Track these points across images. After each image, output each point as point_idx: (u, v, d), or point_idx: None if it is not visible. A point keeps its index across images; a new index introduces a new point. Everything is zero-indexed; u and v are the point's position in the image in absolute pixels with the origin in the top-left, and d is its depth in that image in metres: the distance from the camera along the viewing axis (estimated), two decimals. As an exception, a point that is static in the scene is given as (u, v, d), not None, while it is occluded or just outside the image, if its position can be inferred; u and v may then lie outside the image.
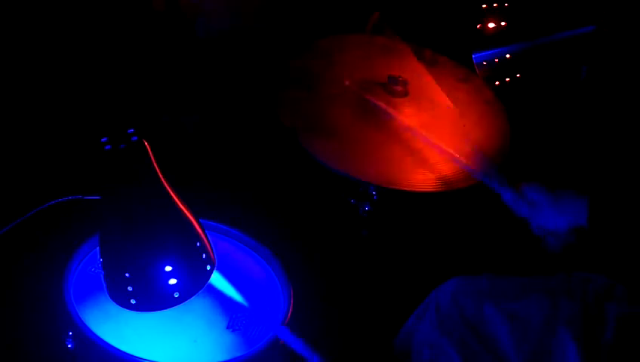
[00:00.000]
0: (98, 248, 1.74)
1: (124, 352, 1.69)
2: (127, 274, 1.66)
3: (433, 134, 2.15)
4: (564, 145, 2.35)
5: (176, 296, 1.69)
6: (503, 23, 2.47)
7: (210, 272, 1.74)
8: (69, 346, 1.73)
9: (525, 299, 1.81)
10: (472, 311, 1.82)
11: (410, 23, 2.67)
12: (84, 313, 1.75)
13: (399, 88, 2.21)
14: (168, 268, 1.67)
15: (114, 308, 1.71)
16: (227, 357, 1.73)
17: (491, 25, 2.47)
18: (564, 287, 1.83)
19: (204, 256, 1.73)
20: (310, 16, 2.80)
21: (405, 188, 2.06)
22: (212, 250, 1.76)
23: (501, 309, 1.80)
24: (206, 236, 1.76)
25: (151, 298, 1.68)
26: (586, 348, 1.71)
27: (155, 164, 1.67)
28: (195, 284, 1.72)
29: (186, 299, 1.70)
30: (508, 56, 2.46)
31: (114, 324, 1.76)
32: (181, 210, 1.71)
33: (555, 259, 1.99)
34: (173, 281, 1.68)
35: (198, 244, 1.72)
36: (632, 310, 1.75)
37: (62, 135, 2.46)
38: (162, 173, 1.69)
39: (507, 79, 2.45)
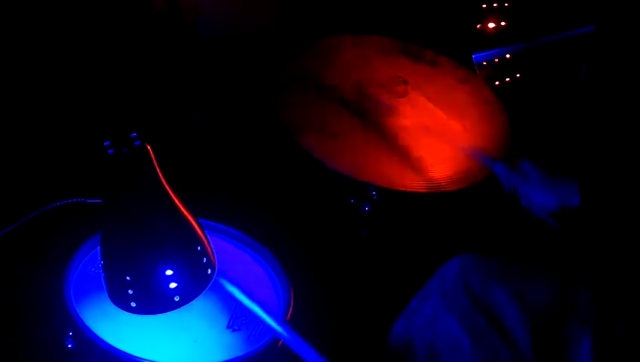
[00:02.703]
0: (98, 249, 1.74)
1: (124, 352, 1.69)
2: (127, 278, 1.66)
3: (433, 133, 2.16)
4: (563, 145, 2.35)
5: (176, 300, 1.69)
6: (503, 23, 2.47)
7: (211, 276, 1.75)
8: (69, 346, 1.73)
9: (535, 283, 1.80)
10: (479, 286, 1.81)
11: (411, 23, 2.67)
12: (84, 313, 1.75)
13: (399, 88, 2.21)
14: (169, 272, 1.67)
15: (114, 309, 1.72)
16: (227, 357, 1.73)
17: (491, 25, 2.47)
18: (575, 279, 1.82)
19: (204, 260, 1.73)
20: (310, 16, 2.80)
21: (405, 189, 2.05)
22: (213, 253, 1.76)
23: (509, 288, 1.79)
24: (207, 240, 1.76)
25: (151, 301, 1.69)
26: (599, 341, 1.70)
27: (158, 168, 1.68)
28: (195, 288, 1.72)
29: (186, 303, 1.71)
30: (508, 56, 2.46)
31: (114, 324, 1.76)
32: (182, 214, 1.71)
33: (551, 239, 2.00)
34: (173, 285, 1.68)
35: (199, 248, 1.72)
36: None
37: (65, 138, 2.47)
38: (164, 175, 1.69)
39: (507, 79, 2.45)
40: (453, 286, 1.83)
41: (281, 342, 1.78)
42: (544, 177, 1.99)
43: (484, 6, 2.47)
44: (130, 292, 1.67)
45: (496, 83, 2.45)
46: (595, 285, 1.80)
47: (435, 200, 2.30)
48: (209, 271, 1.74)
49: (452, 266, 1.87)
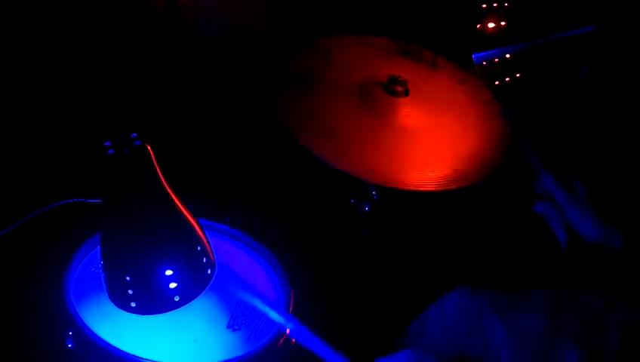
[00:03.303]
0: (98, 248, 1.74)
1: (124, 352, 1.69)
2: (127, 278, 1.66)
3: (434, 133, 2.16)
4: (563, 145, 2.35)
5: (176, 300, 1.69)
6: (503, 23, 2.47)
7: (211, 276, 1.75)
8: (69, 346, 1.73)
9: (525, 312, 1.81)
10: (472, 322, 1.82)
11: (411, 23, 2.67)
12: (84, 313, 1.75)
13: (399, 88, 2.21)
14: (169, 272, 1.68)
15: (114, 308, 1.72)
16: (227, 357, 1.73)
17: (491, 25, 2.47)
18: (567, 301, 1.82)
19: (204, 259, 1.73)
20: (310, 15, 2.80)
21: (406, 188, 2.05)
22: (213, 254, 1.76)
23: (501, 322, 1.80)
24: (207, 240, 1.76)
25: (151, 301, 1.69)
26: (588, 358, 1.71)
27: (158, 168, 1.68)
28: (195, 288, 1.72)
29: (186, 303, 1.71)
30: (508, 56, 2.46)
31: (114, 324, 1.76)
32: (182, 214, 1.71)
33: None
34: (173, 285, 1.68)
35: (199, 248, 1.72)
36: (638, 317, 1.74)
37: (65, 138, 2.46)
38: (164, 176, 1.69)
39: (507, 79, 2.45)
40: (453, 322, 1.84)
41: (285, 336, 1.78)
42: (593, 207, 1.93)
43: (484, 6, 2.47)
44: (130, 292, 1.67)
45: (497, 83, 2.45)
46: (585, 307, 1.80)
47: (434, 200, 2.30)
48: (209, 271, 1.74)
49: (451, 301, 1.88)
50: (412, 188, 2.05)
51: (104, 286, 1.71)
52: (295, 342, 1.78)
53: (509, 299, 1.86)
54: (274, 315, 1.82)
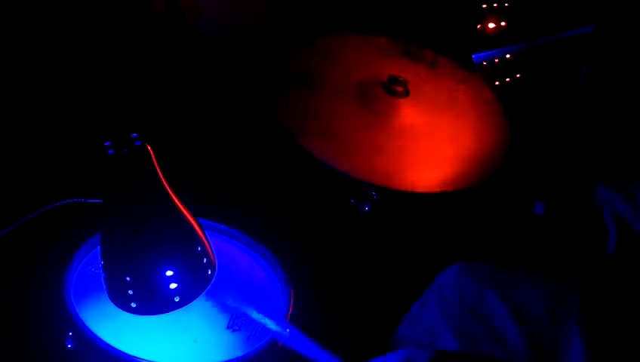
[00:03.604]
0: (98, 249, 1.74)
1: (124, 352, 1.69)
2: (127, 278, 1.66)
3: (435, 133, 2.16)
4: (563, 145, 2.35)
5: (176, 301, 1.69)
6: (503, 23, 2.47)
7: (211, 277, 1.75)
8: (69, 346, 1.73)
9: (529, 291, 1.80)
10: (474, 296, 1.81)
11: (411, 24, 2.67)
12: (84, 313, 1.75)
13: (399, 88, 2.21)
14: (169, 273, 1.68)
15: (114, 309, 1.72)
16: (227, 357, 1.73)
17: (491, 25, 2.47)
18: (570, 286, 1.81)
19: (205, 260, 1.73)
20: (310, 15, 2.80)
21: (405, 189, 2.05)
22: (213, 254, 1.76)
23: (504, 297, 1.79)
24: (207, 240, 1.76)
25: (151, 302, 1.69)
26: (592, 340, 1.70)
27: (158, 168, 1.68)
28: (195, 289, 1.72)
29: (187, 304, 1.71)
30: (508, 56, 2.46)
31: (114, 324, 1.76)
32: (183, 215, 1.71)
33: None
34: (173, 286, 1.68)
35: (199, 249, 1.72)
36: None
37: (65, 138, 2.46)
38: (164, 176, 1.69)
39: (507, 79, 2.45)
40: (451, 295, 1.83)
41: (280, 344, 1.78)
42: None
43: (484, 6, 2.47)
44: (131, 292, 1.67)
45: (497, 83, 2.45)
46: (587, 287, 1.80)
47: (434, 200, 2.30)
48: (209, 272, 1.74)
49: (449, 274, 1.87)
50: (411, 188, 2.05)
51: (104, 287, 1.71)
52: (286, 348, 1.78)
53: (509, 277, 1.84)
54: (269, 323, 1.82)
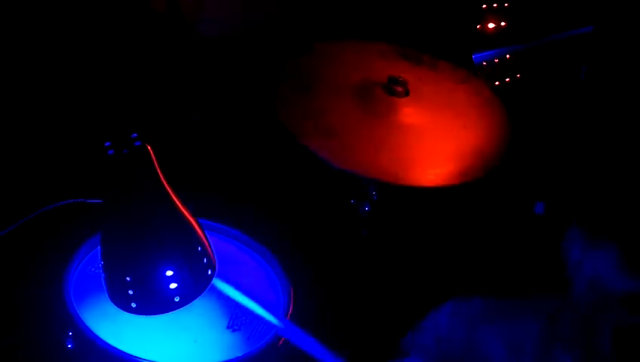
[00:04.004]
0: (98, 249, 1.74)
1: (124, 352, 1.69)
2: (127, 278, 1.66)
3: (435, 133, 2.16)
4: (563, 145, 2.35)
5: (176, 301, 1.69)
6: (502, 23, 2.47)
7: (211, 277, 1.75)
8: (69, 346, 1.73)
9: (520, 321, 1.81)
10: (466, 334, 1.82)
11: (410, 24, 2.67)
12: (84, 313, 1.76)
13: (399, 88, 2.21)
14: (169, 273, 1.68)
15: (114, 309, 1.72)
16: (227, 357, 1.73)
17: (491, 25, 2.47)
18: (558, 305, 1.81)
19: (205, 260, 1.73)
20: (310, 17, 2.80)
21: (407, 184, 2.05)
22: (213, 254, 1.76)
23: (495, 332, 1.80)
24: (207, 240, 1.76)
25: (151, 302, 1.69)
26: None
27: (158, 169, 1.68)
28: (195, 289, 1.72)
29: (187, 304, 1.71)
30: (508, 56, 2.46)
31: (114, 324, 1.76)
32: (183, 215, 1.71)
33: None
34: (173, 286, 1.68)
35: (199, 249, 1.72)
36: (632, 321, 1.72)
37: (65, 138, 2.46)
38: (164, 176, 1.69)
39: (507, 79, 2.45)
40: (447, 338, 1.84)
41: (282, 340, 1.78)
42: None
43: (484, 6, 2.47)
44: (131, 292, 1.67)
45: (497, 83, 2.45)
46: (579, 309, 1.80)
47: (434, 200, 2.30)
48: (209, 272, 1.74)
49: (444, 314, 1.88)
50: (414, 184, 2.04)
51: (104, 287, 1.71)
52: (287, 343, 1.78)
53: (501, 307, 1.85)
54: (271, 319, 1.82)
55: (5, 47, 2.54)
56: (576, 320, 1.76)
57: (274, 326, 1.80)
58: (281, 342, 1.78)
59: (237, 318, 1.85)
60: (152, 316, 1.72)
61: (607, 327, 1.72)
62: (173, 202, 1.70)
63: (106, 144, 1.67)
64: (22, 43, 2.57)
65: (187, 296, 1.71)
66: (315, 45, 2.33)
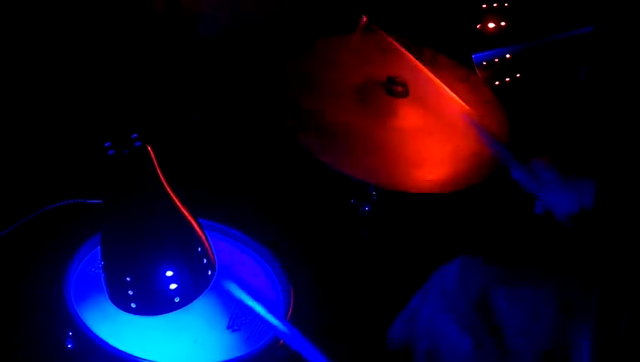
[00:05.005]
0: (98, 249, 1.74)
1: (124, 352, 1.69)
2: (128, 279, 1.66)
3: (435, 132, 2.15)
4: (563, 145, 2.35)
5: (176, 301, 1.69)
6: (502, 23, 2.47)
7: (211, 277, 1.75)
8: (69, 346, 1.73)
9: (533, 284, 1.79)
10: (479, 289, 1.80)
11: (410, 23, 2.67)
12: (84, 313, 1.76)
13: (399, 88, 2.21)
14: (169, 273, 1.67)
15: (114, 309, 1.72)
16: (227, 357, 1.73)
17: (491, 25, 2.47)
18: (573, 278, 1.80)
19: (205, 260, 1.73)
20: (310, 16, 2.80)
21: (406, 189, 2.05)
22: (213, 254, 1.76)
23: (508, 291, 1.78)
24: (207, 241, 1.76)
25: (151, 302, 1.69)
26: (599, 341, 1.70)
27: (158, 169, 1.68)
28: (195, 289, 1.72)
29: (187, 304, 1.71)
30: (508, 56, 2.46)
31: (114, 324, 1.76)
32: (183, 215, 1.71)
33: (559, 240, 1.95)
34: (173, 286, 1.68)
35: (199, 249, 1.72)
36: None
37: (65, 139, 2.47)
38: (164, 176, 1.69)
39: (507, 79, 2.45)
40: (453, 288, 1.83)
41: (282, 342, 1.78)
42: (559, 178, 1.90)
43: (484, 6, 2.47)
44: (131, 293, 1.67)
45: (497, 83, 2.44)
46: (594, 284, 1.79)
47: (435, 200, 2.30)
48: (209, 272, 1.74)
49: (452, 268, 1.87)
50: (413, 188, 2.04)
51: (104, 287, 1.71)
52: (286, 345, 1.78)
53: (515, 274, 1.83)
54: (271, 319, 1.82)
55: (5, 47, 2.55)
56: (592, 305, 1.75)
57: (274, 326, 1.80)
58: (281, 343, 1.78)
59: (237, 318, 1.85)
60: (152, 316, 1.72)
61: (625, 315, 1.71)
62: (173, 202, 1.70)
63: (106, 144, 1.67)
64: (22, 43, 2.57)
65: (187, 296, 1.70)
66: (317, 41, 2.33)
